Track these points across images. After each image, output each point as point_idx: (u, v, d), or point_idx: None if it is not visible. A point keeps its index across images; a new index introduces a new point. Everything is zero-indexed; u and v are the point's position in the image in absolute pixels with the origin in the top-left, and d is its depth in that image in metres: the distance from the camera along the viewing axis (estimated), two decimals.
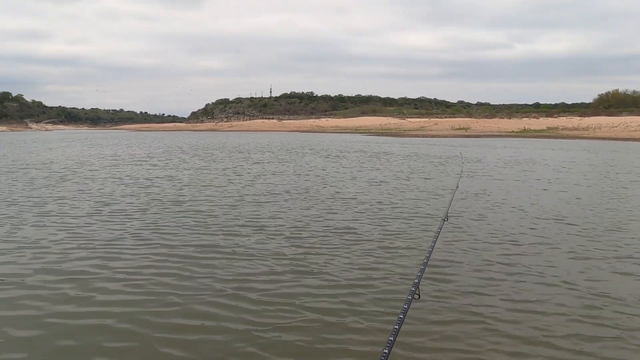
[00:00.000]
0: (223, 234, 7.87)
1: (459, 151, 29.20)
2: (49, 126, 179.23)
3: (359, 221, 8.92)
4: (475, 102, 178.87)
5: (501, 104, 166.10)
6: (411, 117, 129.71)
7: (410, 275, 5.62)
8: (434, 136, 63.91)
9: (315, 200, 11.32)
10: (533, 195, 12.41)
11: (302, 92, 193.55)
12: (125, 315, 4.63)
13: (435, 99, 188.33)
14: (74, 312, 4.71)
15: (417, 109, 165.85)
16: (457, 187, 8.54)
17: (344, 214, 9.61)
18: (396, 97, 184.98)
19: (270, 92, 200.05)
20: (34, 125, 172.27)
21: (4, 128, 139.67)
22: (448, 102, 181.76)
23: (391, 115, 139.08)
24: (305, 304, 4.90)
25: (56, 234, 7.89)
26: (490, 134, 66.91)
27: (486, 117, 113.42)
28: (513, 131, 70.22)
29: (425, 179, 15.73)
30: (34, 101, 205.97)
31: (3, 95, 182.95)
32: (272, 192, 12.52)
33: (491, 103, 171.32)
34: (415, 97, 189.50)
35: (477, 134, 67.37)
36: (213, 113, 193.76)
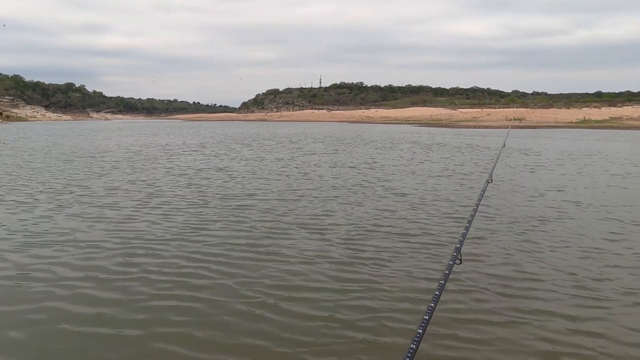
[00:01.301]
0: (278, 231, 7.40)
1: (517, 142, 28.39)
2: (109, 115, 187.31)
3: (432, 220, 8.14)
4: (531, 92, 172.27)
5: (559, 93, 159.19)
6: (463, 108, 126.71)
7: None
8: (486, 127, 62.32)
9: (378, 196, 10.53)
10: (611, 193, 11.16)
11: (352, 83, 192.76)
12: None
13: (488, 88, 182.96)
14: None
15: (469, 99, 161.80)
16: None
17: (405, 213, 8.80)
18: (447, 87, 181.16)
19: (320, 82, 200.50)
20: (94, 115, 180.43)
21: (68, 117, 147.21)
22: (502, 92, 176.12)
23: (442, 106, 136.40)
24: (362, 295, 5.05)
25: (108, 229, 7.55)
26: (546, 124, 64.57)
27: (542, 107, 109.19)
28: (572, 122, 67.48)
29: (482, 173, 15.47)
30: (95, 92, 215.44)
31: (67, 86, 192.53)
32: (335, 187, 11.86)
33: (548, 92, 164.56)
34: (467, 87, 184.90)
35: (532, 124, 65.15)
36: (263, 103, 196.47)
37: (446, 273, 2.21)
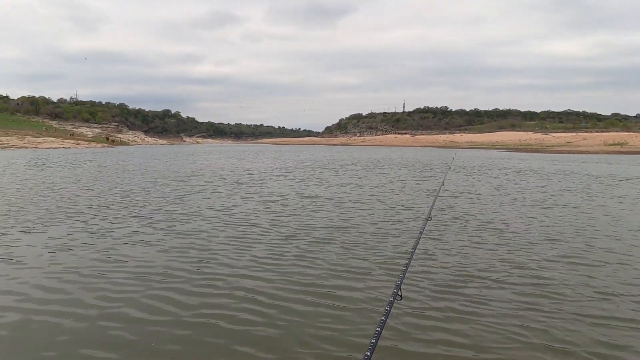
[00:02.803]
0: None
1: (615, 169, 26.57)
2: (200, 140, 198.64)
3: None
4: (634, 115, 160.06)
5: None
6: (555, 132, 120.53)
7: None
8: (581, 152, 58.73)
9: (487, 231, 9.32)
10: None
11: (436, 107, 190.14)
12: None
13: (584, 111, 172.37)
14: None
15: (562, 122, 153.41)
16: None
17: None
18: (538, 110, 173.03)
19: (404, 107, 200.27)
20: (187, 139, 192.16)
21: (164, 141, 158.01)
22: (600, 114, 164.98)
23: (532, 130, 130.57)
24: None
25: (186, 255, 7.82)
26: None
27: None
28: None
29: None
30: (188, 117, 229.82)
31: (164, 112, 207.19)
32: (439, 218, 10.51)
33: None
34: (560, 110, 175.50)
35: (636, 149, 60.44)
36: (346, 128, 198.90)
37: None
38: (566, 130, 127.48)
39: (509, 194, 15.33)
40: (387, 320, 2.41)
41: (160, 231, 9.20)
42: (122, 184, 18.32)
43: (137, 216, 10.88)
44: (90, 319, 4.94)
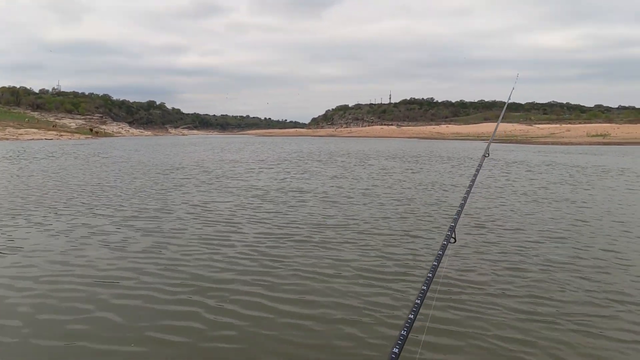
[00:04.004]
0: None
1: (601, 160, 26.68)
2: (185, 131, 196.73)
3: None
4: (616, 106, 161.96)
5: None
6: (539, 123, 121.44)
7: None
8: (565, 143, 59.13)
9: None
10: None
11: (422, 98, 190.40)
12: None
13: (567, 103, 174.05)
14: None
15: (546, 114, 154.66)
16: None
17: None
18: (523, 102, 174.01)
19: (390, 98, 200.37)
20: (172, 130, 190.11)
21: (149, 133, 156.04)
22: (583, 106, 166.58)
23: (517, 122, 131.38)
24: None
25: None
26: (634, 141, 60.23)
27: (630, 122, 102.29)
28: None
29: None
30: (173, 108, 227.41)
31: (149, 103, 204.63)
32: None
33: (637, 107, 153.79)
34: (544, 101, 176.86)
35: (618, 141, 61.04)
36: (333, 119, 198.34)
37: None
38: (550, 121, 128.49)
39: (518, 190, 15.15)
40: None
41: (129, 229, 8.73)
42: (99, 178, 17.77)
43: (105, 214, 10.44)
44: (45, 323, 4.55)
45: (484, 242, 7.78)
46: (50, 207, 10.99)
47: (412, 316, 1.79)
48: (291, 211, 10.65)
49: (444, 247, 2.23)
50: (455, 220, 2.48)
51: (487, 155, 4.09)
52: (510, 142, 65.09)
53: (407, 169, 22.32)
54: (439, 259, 2.13)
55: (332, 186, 15.39)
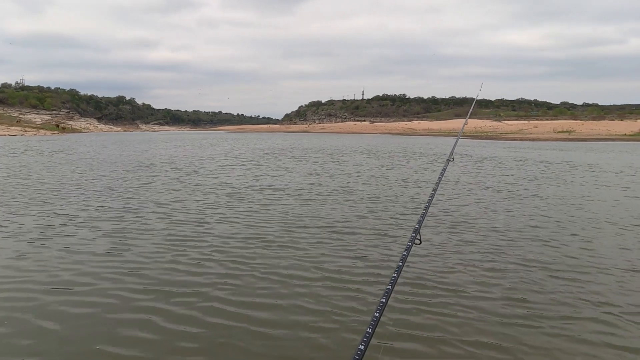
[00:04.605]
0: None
1: (570, 156, 27.12)
2: (156, 127, 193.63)
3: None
4: (581, 104, 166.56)
5: (612, 104, 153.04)
6: (509, 120, 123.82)
7: None
8: (533, 139, 60.30)
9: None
10: None
11: (394, 95, 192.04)
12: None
13: (535, 100, 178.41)
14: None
15: (515, 110, 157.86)
16: None
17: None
18: (492, 98, 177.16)
19: (363, 94, 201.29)
20: (143, 126, 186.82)
21: (119, 129, 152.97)
22: (550, 103, 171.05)
23: (487, 118, 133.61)
24: None
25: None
26: (597, 137, 61.94)
27: (593, 118, 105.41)
28: (625, 134, 64.48)
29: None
30: (144, 104, 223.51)
31: (118, 99, 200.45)
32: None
33: (600, 104, 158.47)
34: (513, 98, 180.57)
35: (582, 137, 62.64)
36: (306, 115, 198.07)
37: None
38: (519, 118, 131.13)
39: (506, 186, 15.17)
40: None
41: (90, 230, 8.31)
42: (62, 176, 17.10)
43: (66, 213, 9.97)
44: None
45: (459, 241, 7.67)
46: (5, 206, 10.44)
47: (377, 314, 1.81)
48: (262, 210, 10.36)
49: (408, 248, 2.24)
50: (420, 222, 2.47)
51: (451, 159, 3.91)
52: (480, 138, 66.01)
53: (382, 166, 22.25)
54: (403, 259, 2.14)
55: (306, 184, 15.14)
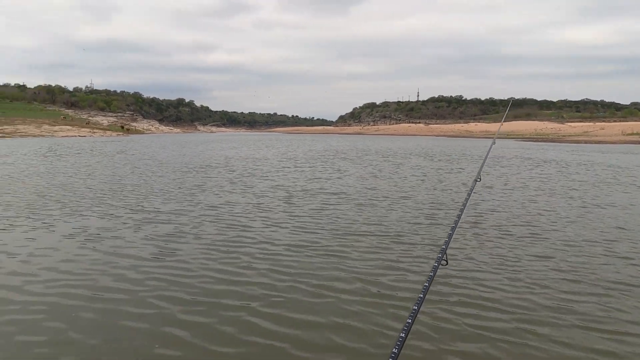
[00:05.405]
0: None
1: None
2: (214, 128, 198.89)
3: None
4: None
5: None
6: (572, 122, 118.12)
7: None
8: (599, 142, 56.99)
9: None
10: None
11: (450, 96, 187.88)
12: None
13: (602, 100, 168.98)
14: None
15: (579, 112, 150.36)
16: None
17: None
18: (554, 99, 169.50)
19: (418, 95, 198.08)
20: (201, 128, 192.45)
21: (178, 130, 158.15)
22: (618, 104, 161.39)
23: (548, 119, 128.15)
24: None
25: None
26: None
27: None
28: None
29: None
30: (202, 106, 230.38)
31: (178, 101, 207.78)
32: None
33: None
34: (577, 99, 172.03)
35: None
36: (360, 117, 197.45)
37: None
38: (583, 119, 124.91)
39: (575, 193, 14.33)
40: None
41: (137, 233, 8.34)
42: (119, 176, 17.56)
43: (117, 214, 10.11)
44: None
45: (528, 256, 7.09)
46: (67, 207, 10.77)
47: (410, 321, 1.84)
48: (314, 214, 10.06)
49: (435, 269, 2.21)
50: (447, 243, 2.44)
51: (479, 179, 3.79)
52: (541, 141, 63.23)
53: (439, 169, 21.55)
54: (430, 279, 2.13)
55: (360, 187, 14.75)
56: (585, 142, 58.94)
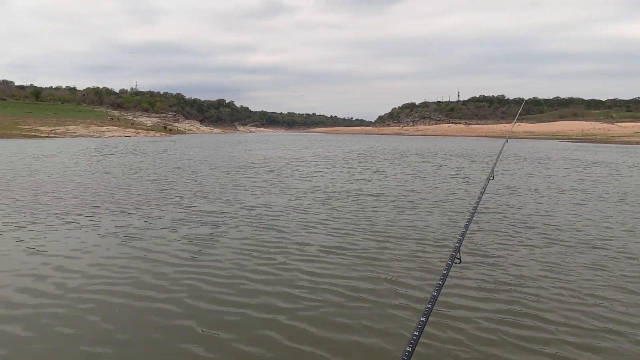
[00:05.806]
0: None
1: None
2: (253, 129, 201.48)
3: None
4: None
5: None
6: (622, 122, 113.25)
7: None
8: None
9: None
10: None
11: (492, 96, 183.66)
12: None
13: None
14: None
15: (630, 111, 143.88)
16: None
17: None
18: (603, 98, 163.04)
19: (458, 95, 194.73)
20: (241, 128, 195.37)
21: (218, 130, 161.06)
22: None
23: (596, 120, 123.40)
24: None
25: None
26: None
27: None
28: None
29: None
30: (242, 106, 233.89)
31: (219, 102, 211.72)
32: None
33: None
34: (628, 97, 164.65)
35: None
36: (399, 117, 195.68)
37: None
38: (635, 119, 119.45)
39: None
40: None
41: (175, 233, 8.48)
42: (158, 175, 17.94)
43: (156, 215, 10.34)
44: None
45: (579, 266, 6.84)
46: (108, 205, 11.08)
47: (424, 319, 1.85)
48: (352, 217, 9.97)
49: (448, 267, 2.22)
50: (460, 241, 2.44)
51: (491, 178, 3.78)
52: (589, 142, 60.93)
53: (482, 170, 21.08)
54: (443, 278, 2.13)
55: (399, 189, 14.56)
56: (637, 143, 56.44)
